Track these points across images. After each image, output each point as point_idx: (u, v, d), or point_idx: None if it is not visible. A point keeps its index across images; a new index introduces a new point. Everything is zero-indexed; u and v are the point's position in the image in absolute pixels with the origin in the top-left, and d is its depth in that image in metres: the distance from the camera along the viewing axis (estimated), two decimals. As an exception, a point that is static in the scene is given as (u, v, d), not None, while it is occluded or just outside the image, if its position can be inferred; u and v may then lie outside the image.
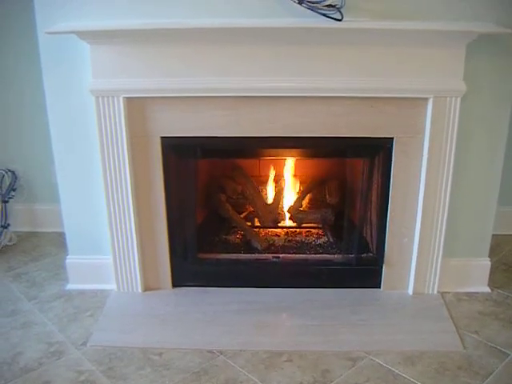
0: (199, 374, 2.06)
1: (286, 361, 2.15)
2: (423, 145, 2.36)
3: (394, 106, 2.31)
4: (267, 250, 2.77)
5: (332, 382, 2.02)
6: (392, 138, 2.38)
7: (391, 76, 2.24)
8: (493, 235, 2.61)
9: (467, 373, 2.06)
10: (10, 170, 3.29)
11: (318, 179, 3.11)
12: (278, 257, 2.70)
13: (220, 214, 2.99)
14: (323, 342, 2.26)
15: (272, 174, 3.08)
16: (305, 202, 3.11)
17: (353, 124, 2.34)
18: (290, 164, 3.01)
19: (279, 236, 2.95)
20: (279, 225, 3.04)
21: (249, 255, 2.74)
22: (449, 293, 2.63)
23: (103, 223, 2.52)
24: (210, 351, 2.20)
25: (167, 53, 2.23)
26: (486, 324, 2.39)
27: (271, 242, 2.86)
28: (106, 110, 2.31)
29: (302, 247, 2.81)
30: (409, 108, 2.31)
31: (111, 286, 2.66)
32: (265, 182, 3.13)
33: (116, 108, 2.31)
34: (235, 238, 2.92)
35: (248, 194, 3.04)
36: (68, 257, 2.70)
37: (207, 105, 2.32)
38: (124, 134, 2.34)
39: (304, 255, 2.74)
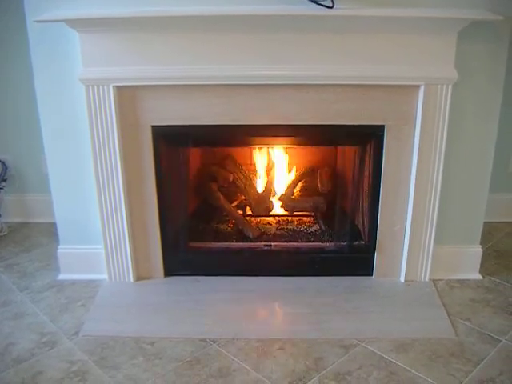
0: (192, 363, 2.06)
1: (278, 349, 2.15)
2: (414, 132, 2.36)
3: (386, 94, 2.30)
4: (259, 238, 2.78)
5: (325, 369, 2.02)
6: (383, 126, 2.37)
7: (382, 63, 2.23)
8: (484, 222, 2.62)
9: (459, 359, 2.07)
10: (0, 161, 3.27)
11: (310, 167, 3.10)
12: (270, 245, 2.70)
13: (211, 203, 2.99)
14: (315, 330, 2.26)
15: (264, 162, 3.07)
16: (296, 190, 3.11)
17: (344, 112, 2.33)
18: (281, 152, 3.00)
19: (271, 224, 2.95)
20: (271, 213, 3.04)
21: (240, 244, 2.74)
22: (441, 280, 2.64)
23: (94, 213, 2.51)
24: (203, 340, 2.20)
25: (157, 41, 2.21)
26: (477, 311, 2.40)
27: (263, 230, 2.86)
28: (97, 99, 2.29)
29: (293, 235, 2.82)
30: (400, 95, 2.31)
31: (103, 275, 2.65)
32: (256, 171, 3.13)
33: (106, 97, 2.29)
34: (227, 226, 2.92)
35: (239, 182, 3.04)
36: (59, 247, 2.69)
37: (198, 93, 2.31)
38: (114, 123, 2.33)
39: (296, 243, 2.74)
